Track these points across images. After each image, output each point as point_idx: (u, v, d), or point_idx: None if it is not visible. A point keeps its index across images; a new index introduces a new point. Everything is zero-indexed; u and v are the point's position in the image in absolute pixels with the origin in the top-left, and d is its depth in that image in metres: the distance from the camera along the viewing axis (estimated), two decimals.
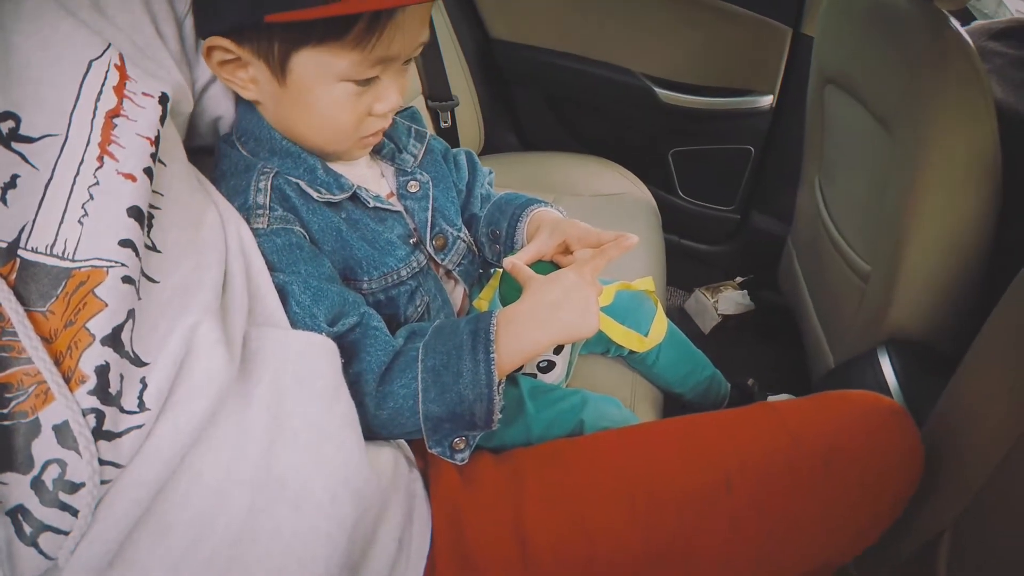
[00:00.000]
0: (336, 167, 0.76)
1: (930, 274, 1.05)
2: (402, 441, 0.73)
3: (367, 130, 0.74)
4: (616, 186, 1.70)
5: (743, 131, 1.74)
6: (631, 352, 1.09)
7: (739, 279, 1.90)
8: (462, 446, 0.69)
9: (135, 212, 0.52)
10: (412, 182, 0.84)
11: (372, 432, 0.66)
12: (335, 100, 0.69)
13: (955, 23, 0.97)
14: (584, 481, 0.72)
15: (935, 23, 0.98)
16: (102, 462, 0.47)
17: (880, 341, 1.13)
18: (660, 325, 0.92)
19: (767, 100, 1.67)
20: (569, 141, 1.97)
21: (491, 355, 0.65)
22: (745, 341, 1.79)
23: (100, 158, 0.52)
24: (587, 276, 0.72)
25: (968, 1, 1.02)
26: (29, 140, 0.49)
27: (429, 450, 0.68)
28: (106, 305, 0.49)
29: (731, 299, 1.83)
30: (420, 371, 0.65)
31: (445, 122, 1.74)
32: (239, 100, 0.76)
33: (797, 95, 1.58)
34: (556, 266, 0.81)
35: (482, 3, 1.83)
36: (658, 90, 1.73)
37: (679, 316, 1.92)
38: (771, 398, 1.31)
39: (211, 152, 0.78)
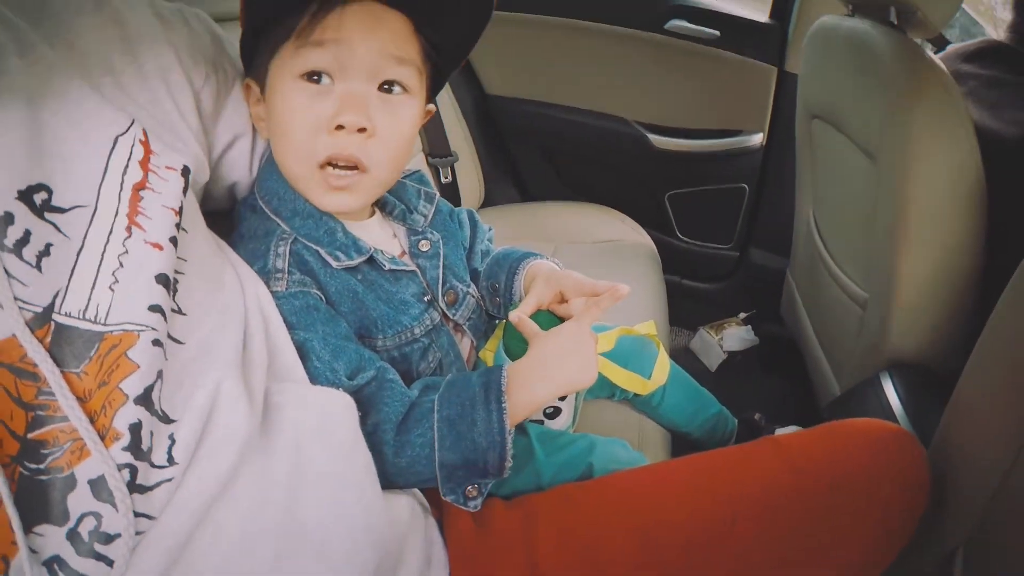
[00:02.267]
0: (353, 229, 0.79)
1: (925, 298, 1.06)
2: (416, 490, 0.75)
3: (322, 148, 0.72)
4: (615, 232, 1.73)
5: (736, 170, 1.78)
6: (636, 395, 1.11)
7: (742, 315, 1.92)
8: (475, 493, 0.70)
9: (163, 279, 0.55)
10: (423, 241, 0.87)
11: (389, 480, 0.68)
12: (291, 102, 0.72)
13: (929, 52, 1.01)
14: (595, 522, 0.73)
15: (910, 54, 1.02)
16: (135, 514, 0.49)
17: (882, 366, 1.14)
18: (662, 367, 0.95)
19: (757, 138, 1.72)
20: (567, 190, 2.02)
21: (503, 405, 0.68)
22: (752, 376, 1.80)
23: (128, 228, 0.55)
24: (585, 326, 0.76)
25: (941, 30, 1.05)
26: (61, 211, 0.52)
27: (443, 497, 0.70)
28: (138, 367, 0.52)
29: (736, 335, 1.85)
30: (436, 421, 0.68)
31: (446, 177, 1.77)
32: (264, 161, 0.81)
33: (786, 131, 1.62)
34: (553, 314, 0.85)
35: (477, 61, 1.90)
36: (651, 136, 1.77)
37: (685, 356, 1.93)
38: (779, 431, 1.31)
39: (226, 215, 0.81)
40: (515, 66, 1.88)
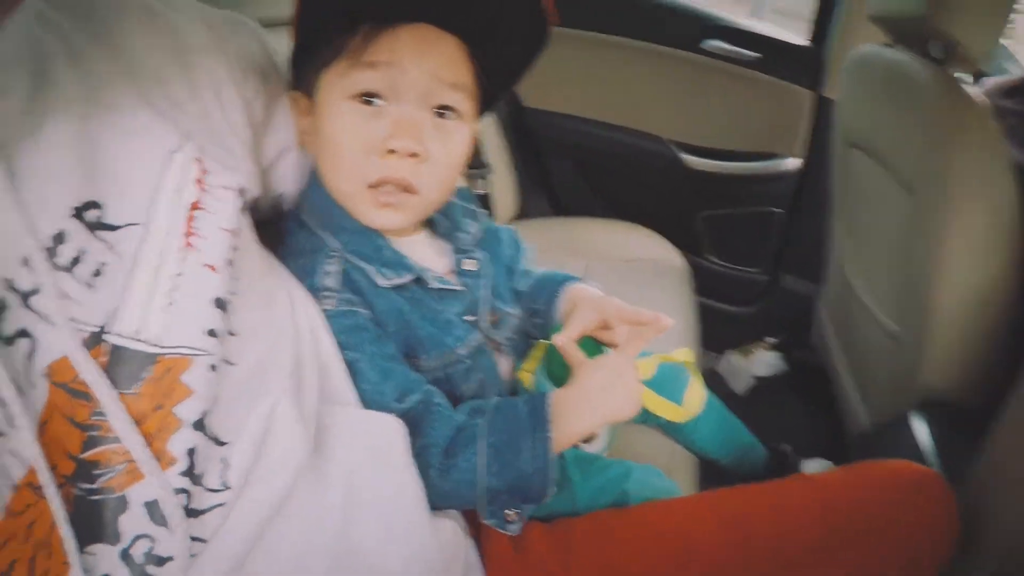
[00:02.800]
0: (399, 246, 0.79)
1: (957, 335, 1.06)
2: (457, 512, 0.76)
3: (373, 171, 0.72)
4: (647, 250, 1.73)
5: (770, 194, 1.78)
6: (668, 421, 1.11)
7: (770, 340, 1.91)
8: (514, 518, 0.71)
9: (220, 303, 0.54)
10: (468, 260, 0.87)
11: (432, 503, 0.69)
12: (342, 122, 0.72)
13: (970, 88, 1.01)
14: (631, 554, 0.74)
15: (950, 89, 1.02)
16: (190, 538, 0.50)
17: (913, 401, 1.14)
18: (698, 395, 0.95)
19: (792, 163, 1.71)
20: (600, 206, 2.02)
21: (548, 435, 0.69)
22: (779, 402, 1.80)
23: (183, 249, 0.53)
24: (629, 359, 0.76)
25: (981, 65, 1.05)
26: (113, 228, 0.51)
27: (483, 520, 0.71)
28: (193, 391, 0.51)
29: (764, 360, 1.85)
30: (483, 446, 0.69)
31: (482, 189, 1.78)
32: (309, 176, 0.81)
33: (823, 157, 1.61)
34: (594, 341, 0.85)
35: None
36: (684, 156, 1.78)
37: (711, 378, 1.92)
38: (805, 463, 1.31)
39: (271, 224, 0.81)
40: (553, 80, 1.89)
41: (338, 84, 0.71)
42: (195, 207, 0.56)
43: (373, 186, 0.73)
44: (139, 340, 0.50)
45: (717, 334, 1.93)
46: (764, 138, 1.74)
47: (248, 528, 0.54)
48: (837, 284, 1.55)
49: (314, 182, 0.80)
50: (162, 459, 0.50)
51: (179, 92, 0.60)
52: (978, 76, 1.42)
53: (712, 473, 1.23)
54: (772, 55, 1.69)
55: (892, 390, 1.22)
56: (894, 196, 1.17)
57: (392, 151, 0.71)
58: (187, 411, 0.51)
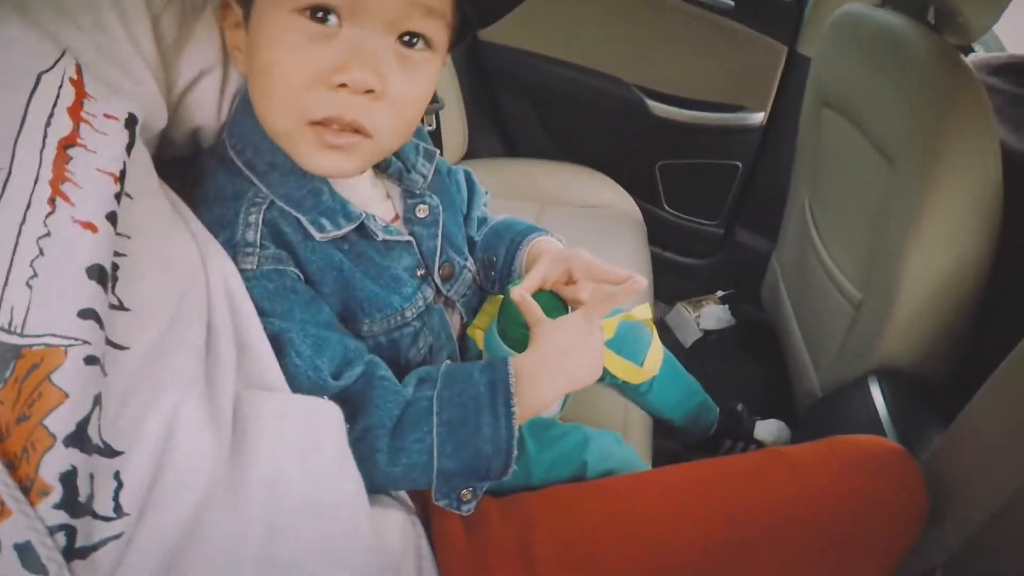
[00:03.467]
0: (340, 188, 0.68)
1: (926, 307, 1.05)
2: (404, 499, 0.70)
3: (318, 107, 0.59)
4: (603, 197, 1.68)
5: (732, 147, 1.74)
6: (625, 381, 1.07)
7: (720, 293, 1.90)
8: (469, 497, 0.66)
9: (97, 272, 0.43)
10: (421, 205, 0.77)
11: (378, 488, 0.63)
12: (283, 42, 0.58)
13: (965, 60, 0.97)
14: (596, 535, 0.70)
15: (947, 59, 0.98)
16: None
17: (869, 369, 1.13)
18: (656, 355, 0.91)
19: (758, 117, 1.67)
20: (555, 149, 1.95)
21: (512, 409, 0.62)
22: (726, 356, 1.79)
23: (52, 200, 0.42)
24: (594, 320, 0.69)
25: (979, 37, 1.01)
26: None
27: (435, 502, 0.65)
28: (67, 396, 0.40)
29: (713, 314, 1.83)
30: (435, 425, 0.62)
31: (429, 125, 1.69)
32: (238, 101, 0.68)
33: (789, 114, 1.58)
34: (555, 295, 0.78)
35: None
36: (650, 102, 1.71)
37: (660, 328, 1.90)
38: (759, 424, 1.31)
39: (186, 162, 0.69)
40: (514, 13, 1.77)
41: None
42: (68, 144, 0.44)
43: (317, 123, 0.60)
44: None
45: (668, 285, 1.93)
46: (733, 90, 1.68)
47: (152, 565, 0.43)
48: (795, 243, 1.53)
49: (242, 110, 0.67)
50: (32, 488, 0.38)
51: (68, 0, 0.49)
52: (966, 51, 1.39)
53: (664, 432, 1.21)
54: (747, 5, 1.62)
55: (848, 356, 1.21)
56: (869, 160, 1.14)
57: (343, 85, 0.58)
58: (59, 422, 0.39)
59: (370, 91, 0.58)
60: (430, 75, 0.64)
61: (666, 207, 1.90)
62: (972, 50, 1.41)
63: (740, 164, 1.75)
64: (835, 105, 1.29)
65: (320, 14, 0.57)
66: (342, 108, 0.59)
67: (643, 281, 0.70)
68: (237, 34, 0.63)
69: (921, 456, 0.85)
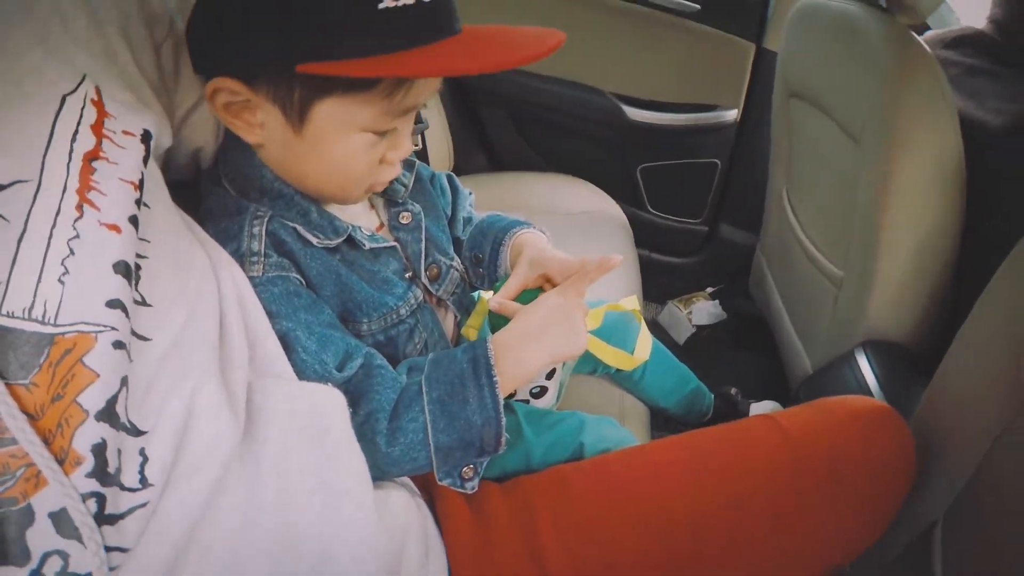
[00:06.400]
0: (330, 208, 0.74)
1: (902, 278, 1.08)
2: (408, 483, 0.72)
3: (377, 178, 0.72)
4: (588, 203, 1.72)
5: (709, 145, 1.78)
6: (618, 370, 1.10)
7: (709, 289, 1.93)
8: (471, 474, 0.69)
9: (122, 267, 0.47)
10: (404, 213, 0.83)
11: (383, 471, 0.66)
12: (352, 150, 0.66)
13: (918, 38, 1.01)
14: (596, 508, 0.72)
15: (899, 37, 1.02)
16: (107, 548, 0.43)
17: (855, 344, 1.16)
18: (645, 343, 0.94)
19: (732, 114, 1.71)
20: (538, 160, 1.99)
21: (493, 379, 0.66)
22: (720, 350, 1.82)
23: (79, 207, 0.46)
24: (570, 297, 0.73)
25: (929, 15, 1.06)
26: None
27: (439, 482, 0.68)
28: (97, 376, 0.44)
29: (704, 310, 1.86)
30: (426, 403, 0.65)
31: (416, 145, 1.73)
32: (226, 134, 0.73)
33: (761, 108, 1.62)
34: (542, 291, 0.82)
35: None
36: (626, 108, 1.75)
37: (653, 329, 1.93)
38: (754, 405, 1.33)
39: (187, 186, 0.74)
40: None
41: (356, 116, 0.64)
42: (92, 157, 0.48)
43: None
44: (32, 319, 0.43)
45: (657, 285, 1.95)
46: (705, 90, 1.73)
47: (175, 531, 0.47)
48: (776, 232, 1.56)
49: (233, 146, 0.72)
50: (67, 460, 0.42)
51: (79, 28, 0.53)
52: (920, 30, 1.44)
53: (661, 421, 1.23)
54: (714, 7, 1.66)
55: (835, 333, 1.24)
56: (838, 144, 1.18)
57: (389, 160, 0.71)
58: (91, 399, 0.44)
59: None
60: None
61: (650, 209, 1.93)
62: (928, 28, 1.45)
63: (718, 161, 1.79)
64: (802, 94, 1.34)
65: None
66: (387, 175, 0.73)
67: (617, 258, 0.75)
68: (246, 115, 0.66)
69: (910, 416, 0.88)
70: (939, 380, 0.86)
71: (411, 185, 0.86)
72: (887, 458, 0.76)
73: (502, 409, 0.66)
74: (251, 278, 0.65)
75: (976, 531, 0.82)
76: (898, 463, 0.77)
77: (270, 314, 0.64)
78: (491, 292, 0.86)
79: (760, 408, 1.33)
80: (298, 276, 0.69)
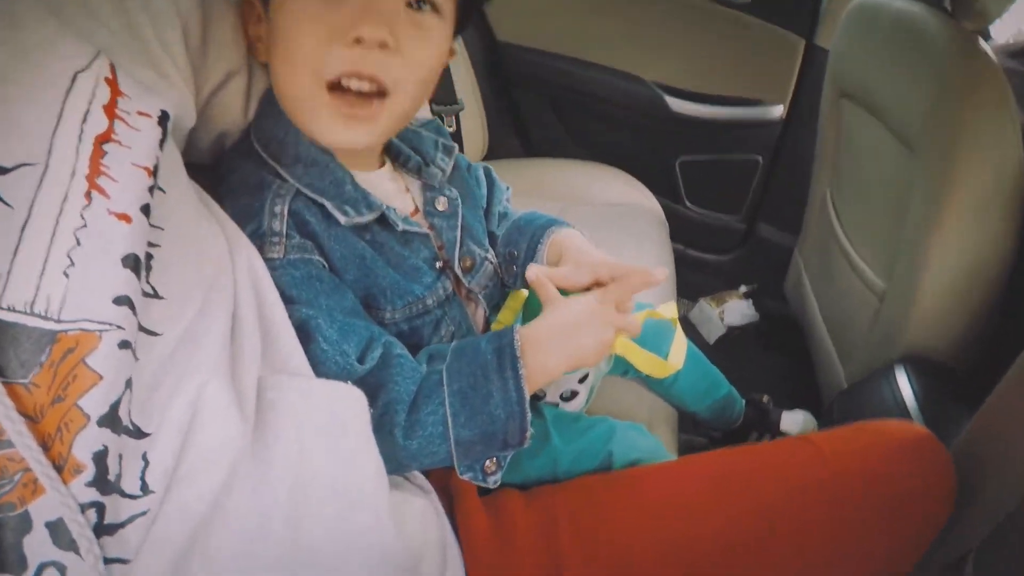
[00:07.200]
0: (361, 181, 0.71)
1: (950, 295, 1.05)
2: (425, 487, 0.70)
3: (336, 63, 0.63)
4: (624, 195, 1.68)
5: (752, 141, 1.74)
6: (649, 375, 1.08)
7: (743, 288, 1.89)
8: (493, 468, 0.66)
9: (131, 261, 0.44)
10: (440, 198, 0.79)
11: (401, 464, 0.63)
12: (298, 12, 0.62)
13: (985, 45, 0.97)
14: (622, 524, 0.70)
15: (965, 45, 0.98)
16: (107, 560, 0.41)
17: (894, 358, 1.13)
18: (680, 349, 0.91)
19: (777, 111, 1.68)
20: (574, 147, 1.95)
21: (519, 371, 0.63)
22: (751, 352, 1.78)
23: (88, 194, 0.43)
24: (608, 305, 0.69)
25: (995, 20, 1.01)
26: (1, 171, 0.41)
27: (460, 476, 0.65)
28: (101, 378, 0.41)
29: (736, 309, 1.83)
30: (447, 395, 0.62)
31: (450, 127, 1.71)
32: (263, 99, 0.71)
33: (808, 106, 1.58)
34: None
35: (489, 5, 1.80)
36: (668, 98, 1.72)
37: (683, 326, 1.89)
38: (785, 415, 1.30)
39: (209, 170, 0.71)
40: (530, 13, 1.79)
41: None
42: (104, 140, 0.45)
43: (335, 88, 0.64)
44: (34, 314, 0.40)
45: (690, 281, 1.91)
46: (751, 84, 1.69)
47: (178, 540, 0.45)
48: (817, 235, 1.52)
49: (267, 107, 0.70)
50: (66, 467, 0.40)
51: (99, 2, 0.50)
52: (984, 37, 1.39)
53: (690, 425, 1.21)
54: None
55: (873, 346, 1.20)
56: (889, 150, 1.14)
57: (359, 40, 0.61)
58: (93, 403, 0.41)
59: (384, 45, 0.62)
60: (439, 40, 0.69)
61: (687, 203, 1.90)
62: (990, 36, 1.40)
63: (760, 158, 1.75)
64: (854, 96, 1.29)
65: None
66: (359, 63, 0.63)
67: (663, 273, 0.71)
68: (259, 27, 0.67)
69: (949, 441, 0.85)
70: (989, 408, 0.83)
71: (449, 171, 0.83)
72: (926, 488, 0.73)
73: (527, 402, 0.63)
74: (270, 260, 0.62)
75: (1008, 565, 0.80)
76: (937, 493, 0.74)
77: (289, 300, 0.61)
78: (525, 291, 0.84)
79: (792, 418, 1.30)
80: (320, 259, 0.65)
